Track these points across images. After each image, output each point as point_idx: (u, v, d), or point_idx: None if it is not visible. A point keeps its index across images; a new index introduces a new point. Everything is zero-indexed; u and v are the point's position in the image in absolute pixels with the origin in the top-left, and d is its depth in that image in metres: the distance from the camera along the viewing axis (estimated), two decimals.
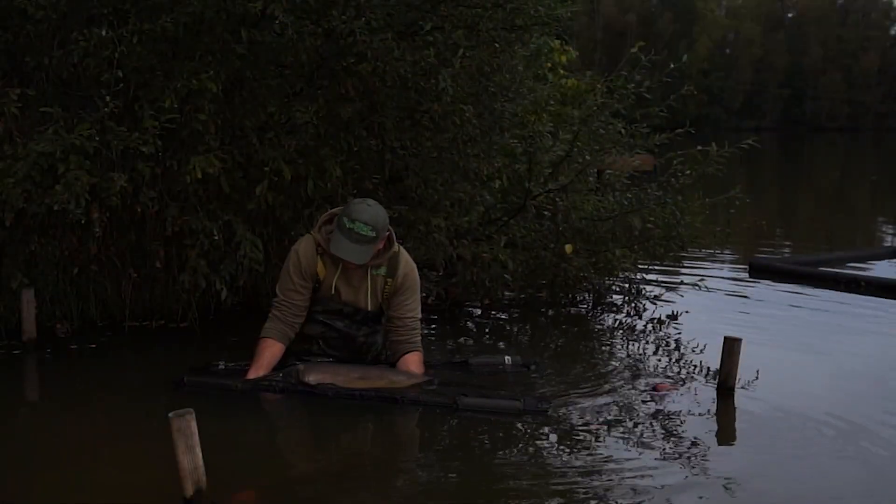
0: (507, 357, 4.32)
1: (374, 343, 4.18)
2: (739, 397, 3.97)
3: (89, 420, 3.66)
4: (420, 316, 4.13)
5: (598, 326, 5.50)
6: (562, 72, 8.30)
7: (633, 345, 5.02)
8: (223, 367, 4.01)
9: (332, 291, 4.00)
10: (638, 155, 6.32)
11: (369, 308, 4.04)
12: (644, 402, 3.89)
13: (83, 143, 4.17)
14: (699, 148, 5.80)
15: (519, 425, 3.59)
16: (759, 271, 7.35)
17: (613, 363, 4.67)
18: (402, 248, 4.13)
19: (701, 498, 2.96)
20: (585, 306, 5.90)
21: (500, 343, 4.90)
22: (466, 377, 4.14)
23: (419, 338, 4.11)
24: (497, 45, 4.98)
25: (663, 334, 5.20)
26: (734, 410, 3.89)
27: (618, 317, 5.68)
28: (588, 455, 3.28)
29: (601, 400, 3.92)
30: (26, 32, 4.48)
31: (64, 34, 4.44)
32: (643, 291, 6.20)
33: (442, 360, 4.37)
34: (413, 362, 4.04)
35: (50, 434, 3.47)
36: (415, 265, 4.15)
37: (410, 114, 5.01)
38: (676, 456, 3.28)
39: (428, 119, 4.98)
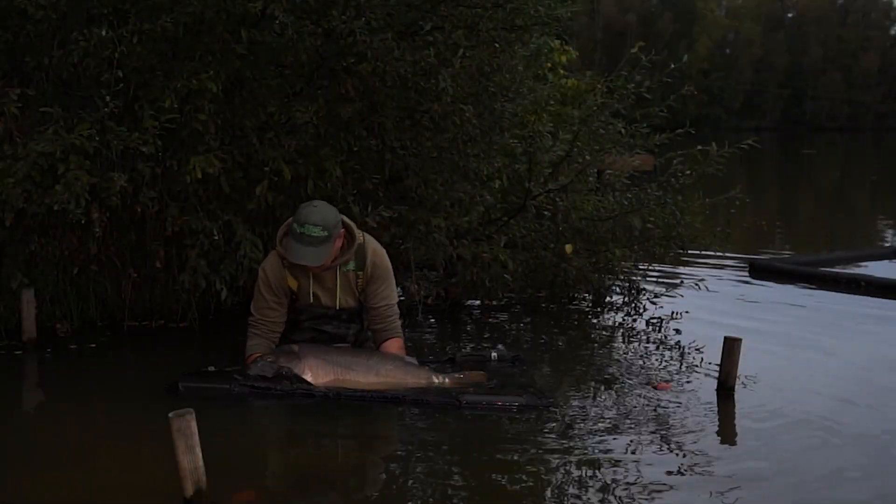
0: (493, 353, 4.34)
1: (365, 339, 4.22)
2: (739, 397, 3.97)
3: (89, 420, 3.66)
4: (395, 302, 4.14)
5: (598, 326, 5.50)
6: (562, 72, 8.30)
7: (633, 344, 5.02)
8: (214, 371, 3.97)
9: (311, 299, 4.03)
10: (638, 155, 6.32)
11: (343, 306, 4.06)
12: (644, 401, 3.89)
13: (83, 143, 4.18)
14: (699, 148, 5.80)
15: (519, 426, 3.59)
16: (759, 271, 7.35)
17: (613, 363, 4.67)
18: (366, 236, 4.12)
19: (700, 497, 2.96)
20: (585, 306, 5.90)
21: (501, 343, 4.89)
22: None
23: (398, 324, 4.14)
24: (497, 45, 4.97)
25: (663, 334, 5.20)
26: (734, 410, 3.89)
27: (618, 317, 5.68)
28: (587, 455, 3.28)
29: (601, 400, 3.92)
30: (26, 32, 4.48)
31: (64, 34, 4.45)
32: (643, 291, 6.20)
33: (430, 358, 4.37)
34: (393, 349, 4.09)
35: (50, 434, 3.47)
36: (383, 250, 4.14)
37: (410, 114, 5.01)
38: (676, 456, 3.28)
39: (428, 119, 4.98)
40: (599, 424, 3.60)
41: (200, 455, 2.65)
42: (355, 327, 4.14)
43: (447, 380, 4.02)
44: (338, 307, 4.06)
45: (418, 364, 4.06)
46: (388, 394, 3.77)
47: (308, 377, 3.83)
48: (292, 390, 3.76)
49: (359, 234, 4.06)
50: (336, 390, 3.79)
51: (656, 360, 4.63)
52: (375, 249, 4.09)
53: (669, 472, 3.13)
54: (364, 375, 3.92)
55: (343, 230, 3.96)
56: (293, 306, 4.08)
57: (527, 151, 5.75)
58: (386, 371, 3.97)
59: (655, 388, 4.07)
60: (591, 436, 3.48)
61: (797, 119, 79.45)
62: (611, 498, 2.93)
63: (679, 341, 5.00)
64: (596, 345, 5.10)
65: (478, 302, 5.71)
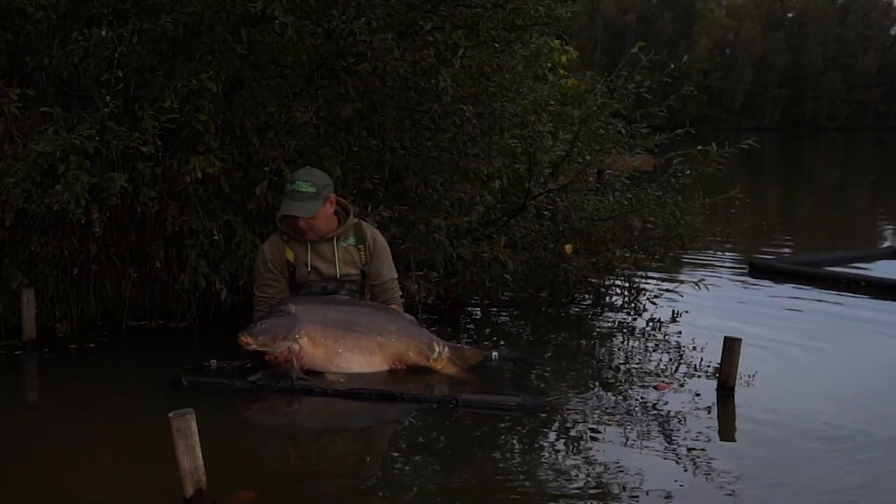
0: (493, 353, 4.39)
1: None
2: (739, 397, 3.97)
3: (89, 420, 3.66)
4: (396, 276, 4.40)
5: (598, 326, 5.50)
6: (562, 72, 8.30)
7: (633, 345, 5.02)
8: (215, 365, 4.05)
9: (309, 269, 4.17)
10: (638, 155, 6.32)
11: (344, 275, 4.21)
12: (644, 401, 3.89)
13: (83, 143, 4.18)
14: (699, 148, 5.80)
15: (518, 425, 3.59)
16: (759, 271, 7.34)
17: (613, 363, 4.67)
18: (362, 220, 4.40)
19: (700, 498, 2.96)
20: (585, 306, 5.90)
21: (502, 343, 4.89)
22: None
23: (398, 294, 4.44)
24: (497, 45, 4.97)
25: (663, 334, 5.20)
26: (734, 410, 3.89)
27: (618, 317, 5.67)
28: (587, 455, 3.28)
29: (601, 400, 3.92)
30: (26, 32, 4.48)
31: (64, 34, 4.45)
32: (643, 291, 6.20)
33: None
34: None
35: (49, 434, 3.47)
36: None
37: (410, 114, 5.01)
38: (676, 456, 3.28)
39: (428, 119, 4.98)
40: (599, 424, 3.60)
41: (200, 455, 2.65)
42: None
43: (446, 348, 4.21)
44: (338, 276, 4.19)
45: (420, 327, 4.25)
46: (387, 392, 3.82)
47: (304, 342, 3.94)
48: (293, 386, 3.84)
49: (354, 218, 4.31)
50: (335, 387, 3.87)
51: (656, 360, 4.63)
52: (373, 229, 4.40)
53: (669, 473, 3.13)
54: (366, 336, 4.06)
55: (333, 196, 4.20)
56: (293, 281, 4.20)
57: (527, 151, 5.75)
58: (389, 333, 4.11)
59: (655, 388, 4.07)
60: (590, 435, 3.48)
61: (797, 119, 79.52)
62: (609, 497, 2.92)
63: (679, 341, 4.99)
64: (596, 345, 5.10)
65: (478, 302, 5.71)
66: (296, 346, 3.94)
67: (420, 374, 4.17)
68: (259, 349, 3.94)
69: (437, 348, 4.18)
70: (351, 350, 4.04)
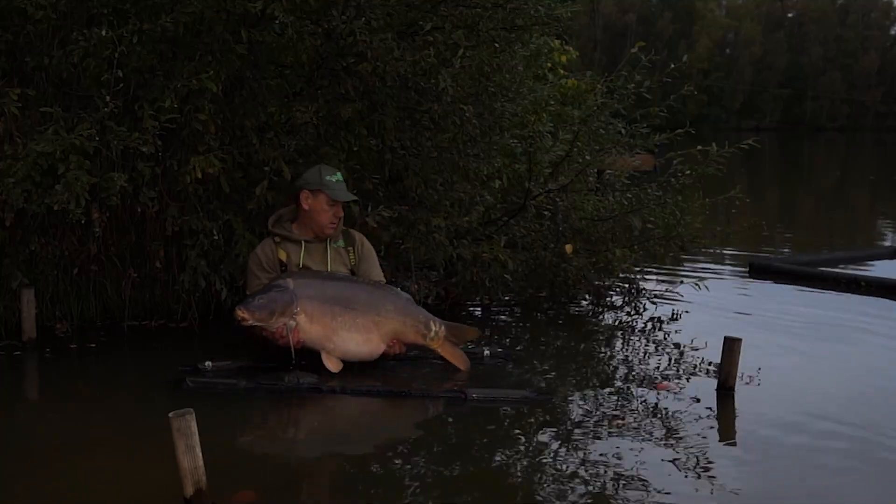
0: (485, 350, 4.44)
1: None
2: (739, 397, 3.97)
3: (89, 420, 3.66)
4: (384, 279, 4.47)
5: (598, 326, 5.50)
6: (562, 72, 8.30)
7: (633, 344, 5.02)
8: (210, 366, 4.04)
9: (300, 268, 4.21)
10: (638, 155, 6.32)
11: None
12: (644, 401, 3.89)
13: (83, 143, 4.18)
14: (699, 148, 5.80)
15: (518, 426, 3.59)
16: (759, 271, 7.35)
17: (613, 363, 4.67)
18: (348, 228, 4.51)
19: (699, 498, 2.96)
20: (585, 306, 5.90)
21: (499, 343, 4.89)
22: None
23: None
24: (497, 45, 4.98)
25: (663, 334, 5.20)
26: (734, 410, 3.89)
27: (618, 317, 5.68)
28: (587, 454, 3.28)
29: (601, 400, 3.92)
30: (26, 32, 4.48)
31: (64, 34, 4.45)
32: (643, 291, 6.20)
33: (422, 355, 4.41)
34: None
35: (49, 434, 3.47)
36: None
37: (410, 114, 5.02)
38: (676, 456, 3.28)
39: (428, 119, 4.98)
40: (599, 424, 3.60)
41: (200, 455, 2.65)
42: None
43: (443, 326, 4.22)
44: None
45: (417, 306, 4.30)
46: (395, 389, 3.86)
47: (302, 319, 3.93)
48: (299, 385, 3.84)
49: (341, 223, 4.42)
50: (342, 385, 3.89)
51: (656, 360, 4.63)
52: (360, 234, 4.47)
53: (669, 473, 3.13)
54: (363, 314, 4.05)
55: None
56: None
57: (527, 151, 5.76)
58: (386, 311, 4.11)
59: (655, 387, 4.07)
60: (590, 435, 3.48)
61: (797, 119, 79.57)
62: (609, 497, 2.93)
63: (679, 341, 4.99)
64: (596, 345, 5.10)
65: (478, 302, 5.71)
66: (292, 323, 3.91)
67: (426, 371, 4.21)
68: (255, 324, 3.90)
69: (433, 327, 4.19)
70: (348, 328, 4.02)
